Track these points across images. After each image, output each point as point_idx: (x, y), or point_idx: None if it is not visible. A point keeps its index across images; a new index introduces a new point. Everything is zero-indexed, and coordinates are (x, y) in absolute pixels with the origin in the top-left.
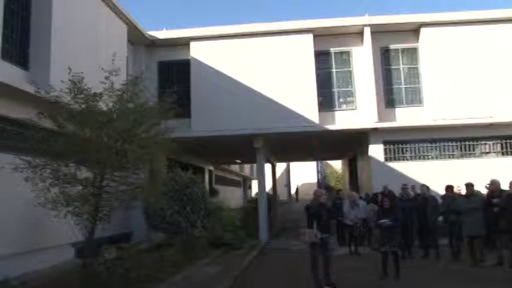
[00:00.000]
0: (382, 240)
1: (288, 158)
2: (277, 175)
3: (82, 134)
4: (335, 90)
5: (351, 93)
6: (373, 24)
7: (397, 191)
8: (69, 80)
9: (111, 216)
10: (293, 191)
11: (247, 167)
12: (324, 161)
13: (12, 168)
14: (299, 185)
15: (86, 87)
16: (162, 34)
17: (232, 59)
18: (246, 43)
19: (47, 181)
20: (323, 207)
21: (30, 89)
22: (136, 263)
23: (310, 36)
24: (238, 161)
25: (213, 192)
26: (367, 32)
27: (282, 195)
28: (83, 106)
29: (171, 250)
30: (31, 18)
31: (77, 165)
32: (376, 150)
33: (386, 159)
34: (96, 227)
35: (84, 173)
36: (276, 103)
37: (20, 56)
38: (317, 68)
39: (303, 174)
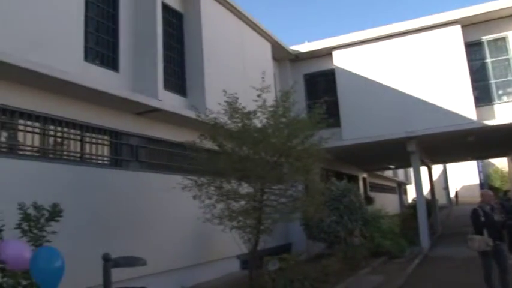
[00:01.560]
0: None
1: (445, 159)
2: (434, 178)
3: (241, 151)
4: (492, 82)
5: (511, 83)
6: None
7: None
8: (225, 101)
9: (272, 229)
10: (452, 194)
11: (401, 172)
12: (485, 160)
13: (181, 187)
14: (457, 188)
15: (240, 106)
16: (304, 47)
17: (376, 62)
18: (388, 45)
19: (212, 198)
20: (493, 210)
21: (191, 114)
22: (299, 274)
23: (458, 27)
24: (391, 166)
25: (368, 199)
26: None
27: (441, 199)
28: (239, 125)
29: (331, 260)
30: (185, 50)
31: (239, 181)
32: None
33: None
34: (259, 239)
35: (245, 189)
36: (427, 103)
37: (179, 85)
38: (468, 61)
39: (462, 175)
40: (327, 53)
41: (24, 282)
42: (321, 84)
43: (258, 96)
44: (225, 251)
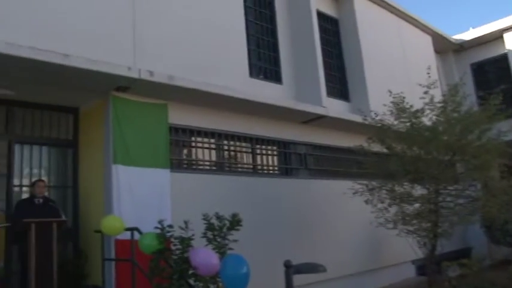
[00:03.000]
0: None
1: None
2: None
3: (411, 152)
4: None
5: None
6: None
7: None
8: (391, 102)
9: (451, 232)
10: None
11: None
12: None
13: (352, 192)
14: None
15: (407, 106)
16: (469, 35)
17: None
18: None
19: (384, 202)
20: None
21: (356, 118)
22: (484, 281)
23: None
24: None
25: None
26: None
27: None
28: (407, 125)
29: None
30: (343, 55)
31: (411, 183)
32: None
33: None
34: (436, 243)
35: (419, 190)
36: None
37: (341, 90)
38: None
39: None
40: (496, 37)
41: (212, 287)
42: (492, 73)
43: (425, 93)
44: (400, 256)
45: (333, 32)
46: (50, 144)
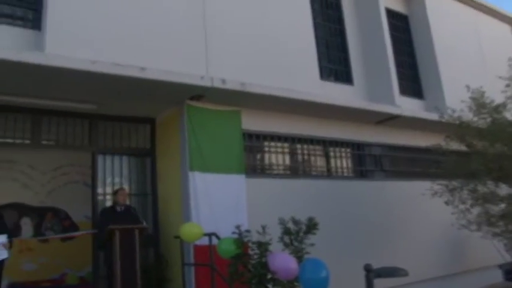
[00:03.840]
0: None
1: None
2: None
3: (493, 149)
4: None
5: None
6: None
7: None
8: (469, 97)
9: None
10: None
11: None
12: None
13: (431, 193)
14: None
15: (487, 101)
16: None
17: None
18: None
19: (466, 202)
20: None
21: (432, 116)
22: None
23: None
24: None
25: None
26: None
27: None
28: (488, 120)
29: None
30: (415, 52)
31: (495, 183)
32: None
33: None
34: None
35: (504, 190)
36: None
37: (414, 89)
38: None
39: None
40: None
41: None
42: None
43: (507, 86)
44: (485, 260)
45: (403, 28)
46: (130, 153)
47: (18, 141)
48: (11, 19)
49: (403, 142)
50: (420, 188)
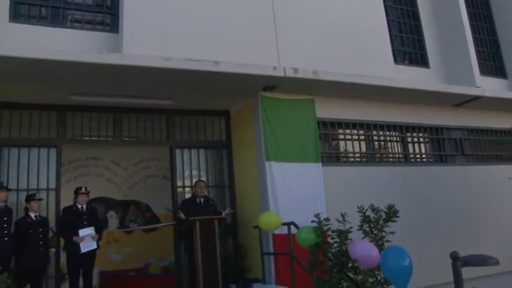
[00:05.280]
0: None
1: None
2: None
3: None
4: None
5: None
6: None
7: None
8: None
9: None
10: None
11: None
12: None
13: None
14: None
15: None
16: None
17: None
18: None
19: None
20: None
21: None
22: None
23: None
24: None
25: None
26: None
27: None
28: None
29: None
30: (496, 29)
31: None
32: None
33: None
34: None
35: None
36: None
37: (496, 67)
38: None
39: None
40: None
41: (370, 280)
42: None
43: None
44: None
45: (481, 4)
46: (206, 146)
47: (102, 138)
48: (92, 24)
49: (486, 124)
50: (506, 172)
